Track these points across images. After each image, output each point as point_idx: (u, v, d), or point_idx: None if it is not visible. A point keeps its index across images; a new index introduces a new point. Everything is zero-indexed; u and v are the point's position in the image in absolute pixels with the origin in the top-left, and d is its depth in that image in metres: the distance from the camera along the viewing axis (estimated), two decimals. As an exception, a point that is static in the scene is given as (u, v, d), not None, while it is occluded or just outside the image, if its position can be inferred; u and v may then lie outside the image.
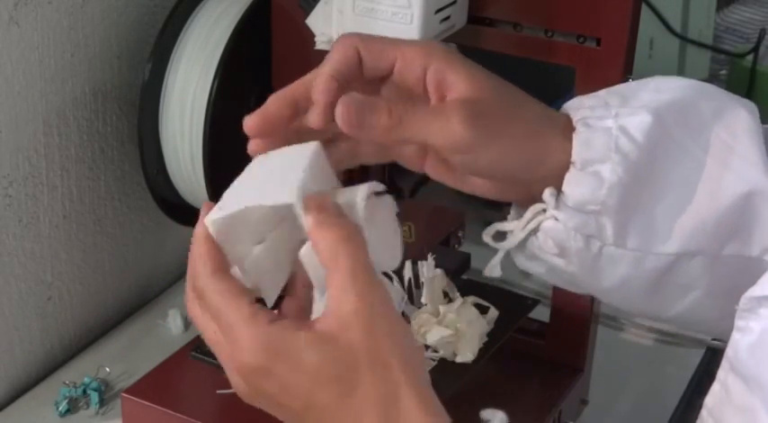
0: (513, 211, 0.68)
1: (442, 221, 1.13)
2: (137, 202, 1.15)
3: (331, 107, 0.61)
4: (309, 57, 0.89)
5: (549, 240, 0.64)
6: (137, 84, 1.07)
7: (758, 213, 0.62)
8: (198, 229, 0.59)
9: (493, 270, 0.68)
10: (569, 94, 0.90)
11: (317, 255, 0.56)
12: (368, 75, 0.63)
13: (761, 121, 0.66)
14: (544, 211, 0.64)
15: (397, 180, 1.31)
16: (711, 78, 1.67)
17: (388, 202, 0.61)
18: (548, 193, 0.63)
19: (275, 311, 0.59)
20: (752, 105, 0.65)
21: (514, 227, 0.65)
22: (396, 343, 0.56)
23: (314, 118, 0.61)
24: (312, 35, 0.91)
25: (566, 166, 0.63)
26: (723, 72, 1.68)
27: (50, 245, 1.05)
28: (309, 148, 0.61)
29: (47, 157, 1.02)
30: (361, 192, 0.59)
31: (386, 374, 0.55)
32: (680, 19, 1.59)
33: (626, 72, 0.88)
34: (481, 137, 0.61)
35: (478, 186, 0.66)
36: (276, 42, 1.00)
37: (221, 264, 0.58)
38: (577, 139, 0.63)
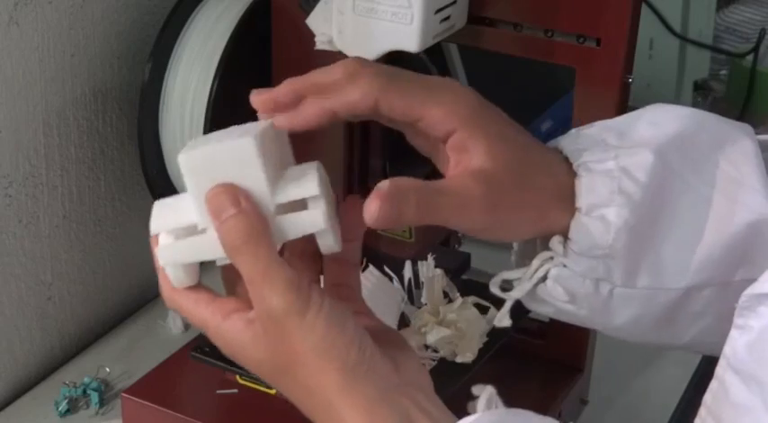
0: (515, 256, 0.69)
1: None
2: (137, 202, 1.15)
3: (305, 127, 0.61)
4: (309, 57, 0.89)
5: (558, 287, 0.64)
6: (137, 84, 1.07)
7: (764, 239, 0.62)
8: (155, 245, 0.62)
9: (502, 320, 0.67)
10: (569, 95, 0.90)
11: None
12: (384, 120, 0.63)
13: (761, 121, 0.66)
14: (551, 258, 0.64)
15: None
16: (711, 78, 1.67)
17: (329, 188, 0.61)
18: (555, 241, 0.63)
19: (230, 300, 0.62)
20: (749, 129, 0.65)
21: (521, 275, 0.65)
22: (309, 339, 0.57)
23: (283, 120, 0.61)
24: (312, 35, 0.91)
25: (569, 221, 0.63)
26: (723, 72, 1.68)
27: (50, 245, 1.05)
28: (264, 123, 0.61)
29: (47, 157, 1.02)
30: (312, 169, 0.59)
31: (308, 373, 0.58)
32: (680, 19, 1.59)
33: (626, 72, 0.88)
34: (497, 222, 0.62)
35: None
36: (276, 42, 0.99)
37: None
38: (580, 184, 0.63)
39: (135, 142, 1.08)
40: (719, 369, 0.56)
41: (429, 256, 0.97)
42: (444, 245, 1.09)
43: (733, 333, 0.55)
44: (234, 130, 0.61)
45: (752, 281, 0.63)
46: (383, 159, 1.14)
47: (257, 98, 0.62)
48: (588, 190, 0.62)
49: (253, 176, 0.58)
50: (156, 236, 0.61)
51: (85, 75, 1.05)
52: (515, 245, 0.69)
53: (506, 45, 0.92)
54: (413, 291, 0.97)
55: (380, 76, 0.61)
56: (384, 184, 0.58)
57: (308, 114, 0.61)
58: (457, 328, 0.92)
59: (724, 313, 0.64)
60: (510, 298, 0.66)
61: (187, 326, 1.13)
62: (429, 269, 0.96)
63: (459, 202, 0.61)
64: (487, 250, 0.69)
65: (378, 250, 1.05)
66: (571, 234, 0.63)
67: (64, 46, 1.01)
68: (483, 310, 0.95)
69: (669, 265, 0.63)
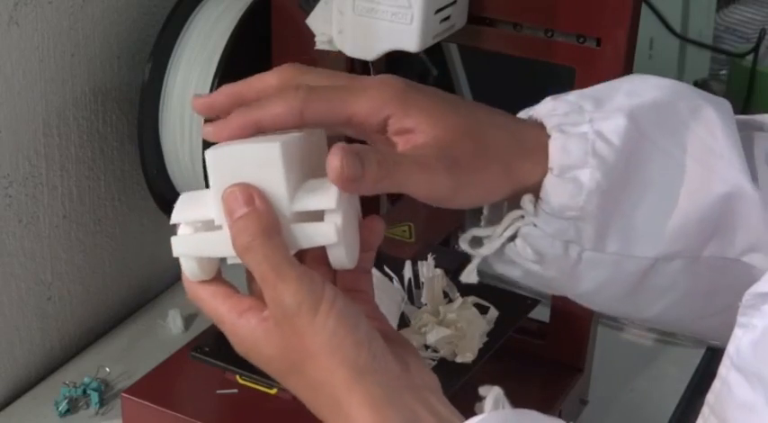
0: (485, 214, 0.68)
1: (442, 221, 1.13)
2: (137, 202, 1.15)
3: (231, 137, 0.61)
4: (309, 57, 0.89)
5: (527, 247, 0.64)
6: (137, 84, 1.07)
7: (737, 214, 0.62)
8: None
9: (469, 276, 0.67)
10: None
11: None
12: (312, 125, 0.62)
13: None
14: (522, 217, 0.63)
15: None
16: (711, 78, 1.67)
17: (356, 204, 0.61)
18: (526, 200, 0.62)
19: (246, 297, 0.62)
20: (726, 103, 0.65)
21: (491, 233, 0.65)
22: (320, 337, 0.57)
23: (209, 130, 0.61)
24: (312, 35, 0.91)
25: (540, 180, 0.62)
26: (723, 72, 1.68)
27: (50, 245, 1.05)
28: (306, 130, 0.61)
29: (47, 157, 1.02)
30: (333, 193, 0.59)
31: (318, 370, 0.58)
32: (680, 19, 1.59)
33: (626, 72, 0.88)
34: (460, 185, 0.61)
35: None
36: (276, 42, 1.00)
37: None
38: (553, 145, 0.62)
39: (135, 142, 1.08)
40: (723, 368, 0.56)
41: (429, 256, 0.97)
42: (444, 245, 1.09)
43: (737, 332, 0.55)
44: (271, 136, 0.61)
45: (719, 258, 0.63)
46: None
47: (197, 101, 0.63)
48: (561, 151, 0.62)
49: (274, 180, 0.58)
50: (177, 225, 0.61)
51: (85, 75, 1.05)
52: (485, 209, 0.68)
53: (506, 45, 0.92)
54: (413, 291, 0.97)
55: (304, 88, 0.61)
56: (342, 144, 0.59)
57: (233, 126, 0.61)
58: (457, 328, 0.92)
59: (691, 290, 0.64)
60: (478, 255, 0.65)
61: (187, 326, 1.13)
62: (429, 269, 0.96)
63: (419, 162, 0.60)
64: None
65: (378, 250, 1.05)
66: (542, 194, 0.62)
67: (64, 46, 1.01)
68: (483, 310, 0.95)
69: (640, 232, 0.62)
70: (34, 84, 0.99)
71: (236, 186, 0.58)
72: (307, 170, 0.60)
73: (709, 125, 0.63)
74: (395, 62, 0.96)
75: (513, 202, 0.64)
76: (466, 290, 0.96)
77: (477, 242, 0.66)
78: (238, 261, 0.60)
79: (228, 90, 0.63)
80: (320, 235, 0.58)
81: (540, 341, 1.02)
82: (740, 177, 0.62)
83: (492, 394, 0.59)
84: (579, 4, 0.87)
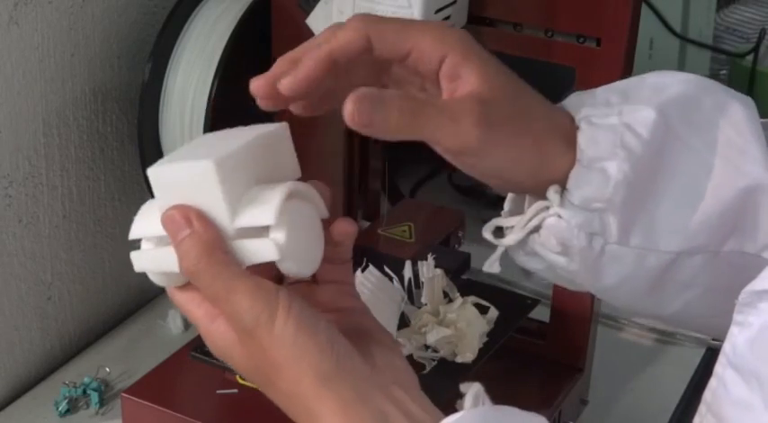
0: (508, 205, 0.67)
1: (442, 221, 1.13)
2: (137, 202, 1.14)
3: (308, 81, 0.60)
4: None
5: (551, 238, 0.63)
6: (137, 84, 1.07)
7: (759, 209, 0.62)
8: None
9: (492, 266, 0.67)
10: (569, 95, 0.90)
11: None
12: (378, 58, 0.62)
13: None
14: (546, 208, 0.63)
15: (396, 180, 1.31)
16: (711, 78, 1.67)
17: (311, 209, 0.60)
18: (552, 191, 0.62)
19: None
20: (750, 100, 0.65)
21: (515, 223, 0.64)
22: (282, 352, 0.58)
23: (286, 82, 0.60)
24: (312, 35, 0.91)
25: (566, 171, 0.62)
26: (723, 72, 1.68)
27: (50, 245, 1.05)
28: (264, 130, 0.60)
29: (47, 157, 1.02)
30: (278, 193, 0.58)
31: (286, 381, 0.58)
32: (680, 19, 1.59)
33: (626, 72, 0.88)
34: (490, 142, 0.60)
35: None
36: (276, 42, 1.00)
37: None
38: (582, 136, 0.62)
39: (135, 142, 1.08)
40: (719, 366, 0.56)
41: (429, 256, 0.96)
42: (444, 245, 1.09)
43: (733, 329, 0.55)
44: (231, 132, 0.61)
45: (740, 253, 0.62)
46: (383, 159, 1.14)
47: (256, 85, 0.61)
48: (590, 142, 0.62)
49: (212, 198, 0.57)
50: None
51: (85, 75, 1.05)
52: (507, 201, 0.67)
53: (506, 45, 0.92)
54: (413, 291, 0.97)
55: (369, 17, 0.62)
56: (364, 88, 0.58)
57: (307, 67, 0.60)
58: (457, 328, 0.92)
59: (711, 286, 0.64)
60: (502, 245, 0.65)
61: (187, 326, 1.13)
62: (429, 269, 0.96)
63: (449, 113, 0.59)
64: (488, 250, 0.68)
65: (378, 250, 1.05)
66: (569, 185, 0.62)
67: (64, 46, 1.01)
68: (483, 310, 0.95)
69: (663, 226, 0.62)
70: (34, 84, 0.99)
71: (173, 209, 0.58)
72: (262, 174, 0.59)
73: (734, 120, 0.63)
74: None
75: (536, 193, 0.64)
76: (466, 290, 0.96)
77: (499, 232, 0.65)
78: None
79: (286, 56, 0.61)
80: (262, 251, 0.58)
81: (540, 341, 1.02)
82: (763, 173, 0.62)
83: (471, 391, 0.58)
84: (579, 4, 0.87)
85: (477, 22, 0.92)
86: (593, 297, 0.98)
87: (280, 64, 0.61)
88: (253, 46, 1.03)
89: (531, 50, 0.91)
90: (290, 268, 0.58)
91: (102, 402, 1.02)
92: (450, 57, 0.61)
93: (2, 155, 0.97)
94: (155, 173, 0.59)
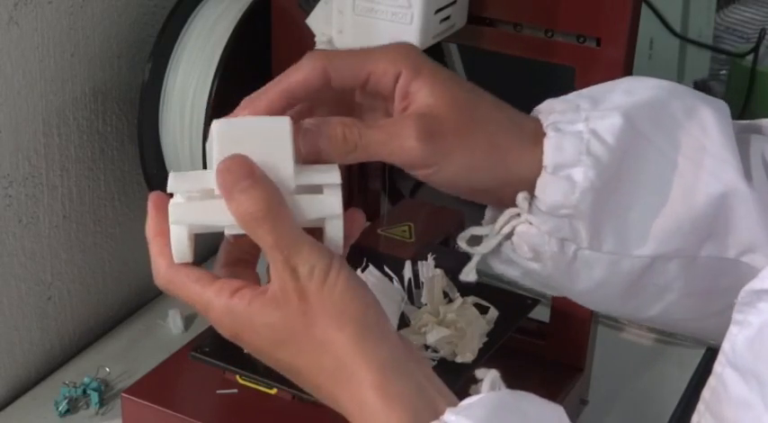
0: (487, 215, 0.68)
1: (442, 221, 1.13)
2: (137, 202, 1.15)
3: (261, 103, 0.62)
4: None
5: (523, 245, 0.64)
6: (137, 84, 1.07)
7: (733, 214, 0.62)
8: (147, 225, 0.62)
9: (468, 275, 0.68)
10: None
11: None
12: (339, 88, 0.63)
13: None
14: (518, 215, 0.64)
15: (396, 180, 1.31)
16: (711, 78, 1.67)
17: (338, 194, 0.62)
18: (521, 198, 0.63)
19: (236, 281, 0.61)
20: (723, 104, 0.65)
21: (489, 231, 0.65)
22: (328, 301, 0.58)
23: (243, 106, 0.62)
24: (312, 35, 0.91)
25: (537, 171, 0.63)
26: (723, 72, 1.68)
27: (50, 245, 1.05)
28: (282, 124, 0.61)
29: (47, 157, 1.03)
30: (336, 170, 0.60)
31: (324, 334, 0.58)
32: (680, 19, 1.59)
33: (626, 72, 0.88)
34: (438, 153, 0.61)
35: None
36: (276, 42, 1.00)
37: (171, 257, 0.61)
38: (548, 143, 0.62)
39: (135, 142, 1.08)
40: (718, 365, 0.56)
41: (429, 256, 0.97)
42: (444, 245, 1.09)
43: (732, 329, 0.55)
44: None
45: (717, 258, 0.63)
46: (382, 161, 1.14)
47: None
48: (556, 149, 0.62)
49: (280, 154, 0.59)
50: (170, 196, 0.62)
51: (85, 75, 1.05)
52: (486, 212, 0.68)
53: (506, 45, 0.92)
54: (413, 291, 0.97)
55: (323, 52, 0.64)
56: (308, 120, 0.61)
57: (263, 103, 0.62)
58: (457, 328, 0.92)
59: (689, 290, 0.64)
60: (477, 253, 0.66)
61: (187, 326, 1.13)
62: (429, 269, 0.96)
63: (389, 131, 0.61)
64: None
65: (378, 250, 1.05)
66: (537, 192, 0.62)
67: (64, 46, 1.01)
68: (483, 310, 0.95)
69: (635, 231, 0.63)
70: (34, 84, 0.99)
71: (231, 159, 0.58)
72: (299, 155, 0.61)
73: (704, 125, 0.63)
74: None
75: (509, 201, 0.64)
76: (466, 290, 0.96)
77: (475, 241, 0.66)
78: (236, 231, 0.59)
79: (249, 98, 0.63)
80: (326, 207, 0.59)
81: (540, 341, 1.02)
82: (735, 177, 0.62)
83: (489, 377, 0.59)
84: (579, 4, 0.87)
85: (477, 22, 0.92)
86: (593, 297, 0.98)
87: (242, 104, 0.63)
88: (253, 46, 1.03)
89: (531, 50, 0.91)
90: (338, 230, 0.60)
91: (102, 402, 1.02)
92: (403, 75, 0.62)
93: (2, 155, 0.97)
94: (220, 125, 0.60)
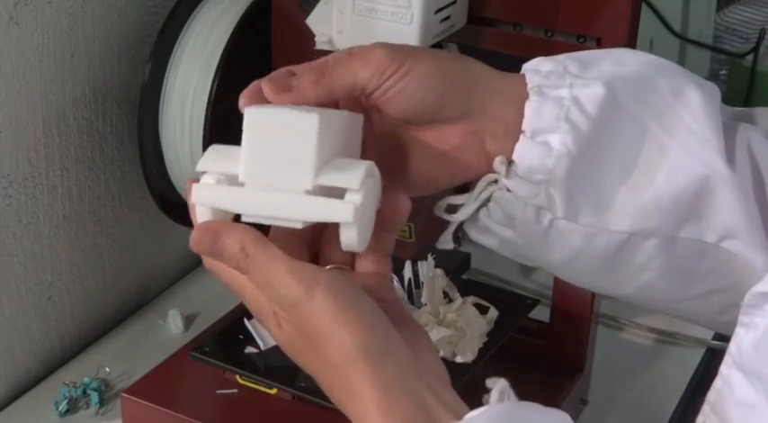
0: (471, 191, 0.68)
1: (442, 221, 1.13)
2: (137, 202, 1.15)
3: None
4: (309, 57, 0.89)
5: (499, 211, 0.64)
6: (137, 84, 1.07)
7: (714, 197, 0.62)
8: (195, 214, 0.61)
9: (445, 243, 0.67)
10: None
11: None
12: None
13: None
14: (495, 182, 0.64)
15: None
16: (711, 78, 1.67)
17: (376, 192, 0.62)
18: (498, 162, 0.63)
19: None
20: (712, 86, 0.65)
21: (466, 199, 0.65)
22: (323, 334, 0.57)
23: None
24: (312, 35, 0.91)
25: (503, 95, 0.63)
26: (723, 72, 1.68)
27: (50, 245, 1.05)
28: (347, 112, 0.62)
29: (47, 157, 1.02)
30: (363, 165, 0.60)
31: (339, 349, 0.57)
32: (680, 19, 1.59)
33: (626, 72, 0.88)
34: (405, 56, 0.61)
35: (434, 169, 0.66)
36: (276, 42, 1.00)
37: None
38: (529, 107, 0.62)
39: (135, 142, 1.08)
40: (724, 367, 0.56)
41: (429, 256, 0.97)
42: (444, 245, 1.09)
43: (738, 331, 0.55)
44: (312, 108, 0.62)
45: (697, 241, 0.63)
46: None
47: (244, 101, 0.63)
48: (535, 114, 0.62)
49: (304, 150, 0.59)
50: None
51: (85, 75, 1.05)
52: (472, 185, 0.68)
53: (506, 45, 0.92)
54: (413, 291, 0.97)
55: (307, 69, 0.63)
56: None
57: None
58: (457, 329, 0.92)
59: (668, 271, 0.64)
60: (454, 220, 0.66)
61: (187, 326, 1.13)
62: (429, 269, 0.96)
63: (357, 51, 0.62)
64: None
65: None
66: (515, 156, 0.63)
67: (64, 46, 1.01)
68: (483, 310, 0.95)
69: (612, 206, 0.63)
70: (34, 84, 0.99)
71: (200, 228, 0.59)
72: (338, 149, 0.61)
73: (690, 105, 0.63)
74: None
75: (482, 158, 0.64)
76: (466, 290, 0.96)
77: (452, 210, 0.66)
78: (253, 220, 0.60)
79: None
80: (338, 212, 0.59)
81: (540, 341, 1.02)
82: (717, 160, 0.62)
83: (498, 387, 0.59)
84: (579, 4, 0.87)
85: (477, 22, 0.92)
86: (593, 297, 0.98)
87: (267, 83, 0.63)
88: (253, 46, 1.03)
89: (531, 50, 0.91)
90: (351, 237, 0.59)
91: (102, 402, 1.02)
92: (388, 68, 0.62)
93: (2, 155, 0.97)
94: (253, 113, 0.60)
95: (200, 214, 0.61)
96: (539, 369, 1.01)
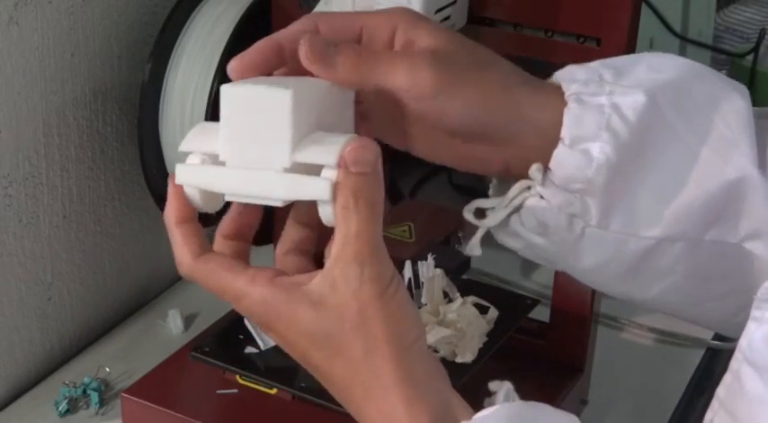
0: (493, 188, 0.68)
1: (442, 221, 1.13)
2: (137, 202, 1.15)
3: (253, 64, 0.62)
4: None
5: (532, 218, 0.63)
6: (137, 84, 1.07)
7: (743, 200, 0.62)
8: (166, 213, 0.62)
9: (473, 249, 0.66)
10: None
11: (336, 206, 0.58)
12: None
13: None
14: (528, 188, 0.63)
15: (397, 180, 1.31)
16: (711, 78, 1.67)
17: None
18: (534, 169, 0.62)
19: (272, 269, 0.60)
20: (744, 90, 0.65)
21: (497, 204, 0.65)
22: (382, 312, 0.57)
23: (233, 64, 0.62)
24: (312, 35, 0.90)
25: (552, 116, 0.62)
26: (723, 72, 1.68)
27: (50, 245, 1.05)
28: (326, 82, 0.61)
29: (47, 157, 1.02)
30: (342, 139, 0.58)
31: (369, 342, 0.57)
32: (680, 19, 1.59)
33: (626, 72, 0.88)
34: (448, 83, 0.60)
35: (446, 150, 0.65)
36: (276, 42, 0.99)
37: (199, 246, 0.61)
38: (568, 114, 0.62)
39: (135, 142, 1.08)
40: (734, 362, 0.55)
41: (429, 256, 0.96)
42: (444, 245, 1.09)
43: (750, 325, 0.55)
44: (305, 79, 0.61)
45: (720, 242, 0.62)
46: (383, 159, 1.14)
47: (233, 65, 0.63)
48: (576, 121, 0.61)
49: (280, 126, 0.58)
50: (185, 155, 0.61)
51: (85, 75, 1.05)
52: (491, 186, 0.68)
53: (506, 45, 0.92)
54: (413, 291, 0.97)
55: (318, 13, 0.64)
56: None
57: (254, 50, 0.62)
58: (457, 329, 0.92)
59: (689, 274, 0.64)
60: (483, 226, 0.65)
61: (187, 326, 1.13)
62: (429, 269, 0.96)
63: (402, 56, 0.60)
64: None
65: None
66: (552, 164, 0.62)
67: (64, 46, 1.01)
68: (483, 310, 0.95)
69: (644, 212, 0.62)
70: (34, 84, 0.99)
71: (367, 140, 0.58)
72: (324, 122, 0.60)
73: (725, 111, 0.63)
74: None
75: (516, 167, 0.63)
76: (466, 290, 0.96)
77: (480, 214, 0.65)
78: (236, 199, 0.60)
79: (261, 44, 0.63)
80: (314, 190, 0.58)
81: (540, 341, 1.02)
82: (749, 166, 0.62)
83: (503, 389, 0.59)
84: (579, 4, 0.87)
85: (477, 22, 0.92)
86: (593, 297, 0.98)
87: (233, 60, 0.63)
88: (253, 46, 1.03)
89: (531, 50, 0.91)
90: (327, 214, 0.58)
91: (102, 402, 1.02)
92: (401, 27, 0.61)
93: (2, 155, 0.97)
94: (228, 91, 0.59)
95: (189, 196, 0.61)
96: (539, 369, 1.01)
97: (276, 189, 0.58)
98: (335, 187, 0.57)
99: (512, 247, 0.67)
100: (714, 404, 0.56)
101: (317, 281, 0.57)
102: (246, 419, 0.92)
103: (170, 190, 0.61)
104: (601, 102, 0.62)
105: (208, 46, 1.04)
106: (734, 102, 0.63)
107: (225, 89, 0.59)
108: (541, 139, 0.62)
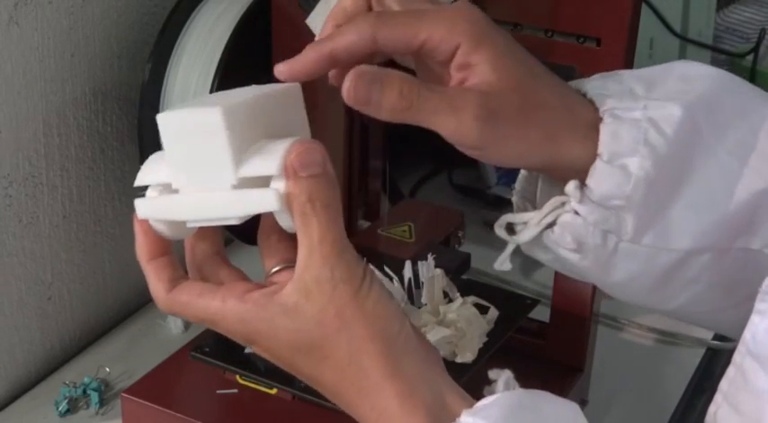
0: (516, 197, 0.67)
1: (442, 221, 1.13)
2: (137, 202, 1.15)
3: (304, 73, 0.60)
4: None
5: (567, 235, 0.62)
6: (137, 84, 1.07)
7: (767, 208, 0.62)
8: (137, 251, 0.63)
9: (503, 264, 0.66)
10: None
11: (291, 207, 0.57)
12: (389, 55, 0.61)
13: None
14: (563, 204, 0.62)
15: (396, 180, 1.31)
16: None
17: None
18: (572, 187, 0.61)
19: (245, 283, 0.60)
20: None
21: (528, 219, 0.64)
22: (360, 311, 0.57)
23: (282, 68, 0.61)
24: (312, 35, 0.90)
25: (582, 159, 0.61)
26: (723, 72, 1.68)
27: (50, 245, 1.05)
28: (277, 87, 0.60)
29: (47, 157, 1.02)
30: (283, 145, 0.57)
31: (353, 343, 0.57)
32: (680, 19, 1.59)
33: (626, 72, 0.88)
34: (493, 136, 0.59)
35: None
36: (276, 42, 0.99)
37: (170, 280, 0.61)
38: (605, 130, 0.61)
39: (135, 142, 1.08)
40: (737, 355, 0.55)
41: (429, 256, 0.96)
42: (444, 245, 1.09)
43: (753, 318, 0.55)
44: (245, 89, 0.61)
45: (745, 249, 0.62)
46: (383, 159, 1.14)
47: (281, 68, 0.61)
48: (613, 137, 0.61)
49: (218, 146, 0.57)
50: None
51: (85, 75, 1.05)
52: (517, 184, 0.67)
53: (506, 45, 0.92)
54: (413, 291, 0.97)
55: (374, 14, 0.60)
56: (365, 65, 0.58)
57: (306, 61, 0.60)
58: (457, 329, 0.92)
59: (715, 282, 0.64)
60: (515, 242, 0.64)
61: (187, 326, 1.13)
62: (429, 269, 0.96)
63: (449, 101, 0.58)
64: (488, 250, 0.68)
65: (378, 250, 1.05)
66: (589, 181, 0.61)
67: (64, 46, 1.01)
68: (483, 310, 0.95)
69: (676, 226, 0.62)
70: (34, 84, 0.99)
71: (311, 143, 0.57)
72: (273, 127, 0.59)
73: (754, 124, 0.63)
74: (394, 64, 0.96)
75: (549, 181, 0.64)
76: (466, 290, 0.96)
77: (510, 228, 0.65)
78: (197, 224, 0.60)
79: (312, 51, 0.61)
80: (263, 201, 0.57)
81: (540, 341, 1.02)
82: None
83: (503, 378, 0.59)
84: (579, 4, 0.87)
85: (477, 22, 0.92)
86: (593, 297, 0.98)
87: (278, 67, 0.61)
88: (253, 46, 1.03)
89: (531, 50, 0.91)
90: (287, 221, 0.58)
91: (102, 402, 1.02)
92: (463, 46, 0.60)
93: (2, 155, 0.97)
94: (163, 119, 0.59)
95: (155, 227, 0.62)
96: (539, 369, 1.01)
97: (228, 208, 0.58)
98: (289, 195, 0.57)
99: (539, 258, 0.66)
100: (717, 397, 0.56)
101: (289, 290, 0.57)
102: (246, 419, 0.92)
103: (136, 227, 0.62)
104: (636, 116, 0.61)
105: (208, 46, 1.04)
106: (762, 111, 0.63)
107: (160, 118, 0.59)
108: (579, 173, 0.62)
